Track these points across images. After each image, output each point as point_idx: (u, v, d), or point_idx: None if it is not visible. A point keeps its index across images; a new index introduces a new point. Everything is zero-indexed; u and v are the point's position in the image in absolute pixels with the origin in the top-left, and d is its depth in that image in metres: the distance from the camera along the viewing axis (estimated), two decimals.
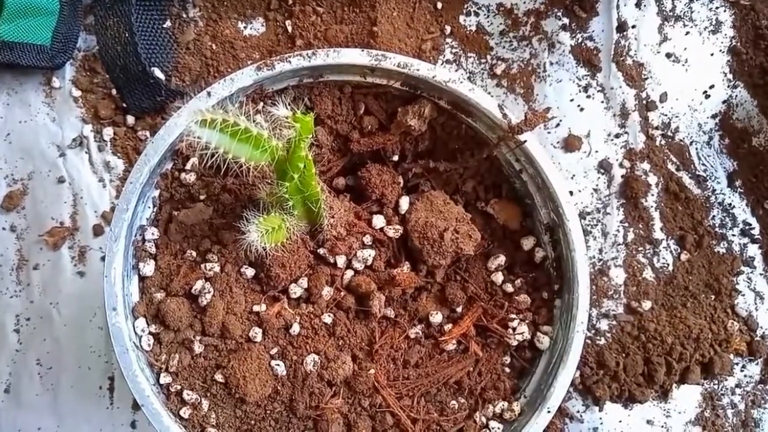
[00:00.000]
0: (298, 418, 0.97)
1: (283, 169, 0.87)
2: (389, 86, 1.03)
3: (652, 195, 1.28)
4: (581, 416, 1.21)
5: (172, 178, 1.01)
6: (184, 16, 1.28)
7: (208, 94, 0.96)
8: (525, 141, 0.99)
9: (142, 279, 0.99)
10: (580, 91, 1.31)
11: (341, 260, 1.02)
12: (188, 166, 1.01)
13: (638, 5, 1.34)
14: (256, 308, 0.98)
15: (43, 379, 1.19)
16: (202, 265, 0.98)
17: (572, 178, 1.28)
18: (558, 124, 1.29)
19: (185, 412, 0.94)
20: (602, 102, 1.31)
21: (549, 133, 1.29)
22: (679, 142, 1.31)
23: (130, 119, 1.24)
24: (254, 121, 0.83)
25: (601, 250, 1.26)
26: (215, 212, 1.01)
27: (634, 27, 1.33)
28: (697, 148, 1.31)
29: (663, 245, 1.27)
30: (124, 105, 1.24)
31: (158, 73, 1.22)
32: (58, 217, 1.22)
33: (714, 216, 1.28)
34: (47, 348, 1.20)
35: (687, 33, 1.35)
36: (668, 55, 1.34)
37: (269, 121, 0.83)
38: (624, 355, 1.22)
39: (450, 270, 1.06)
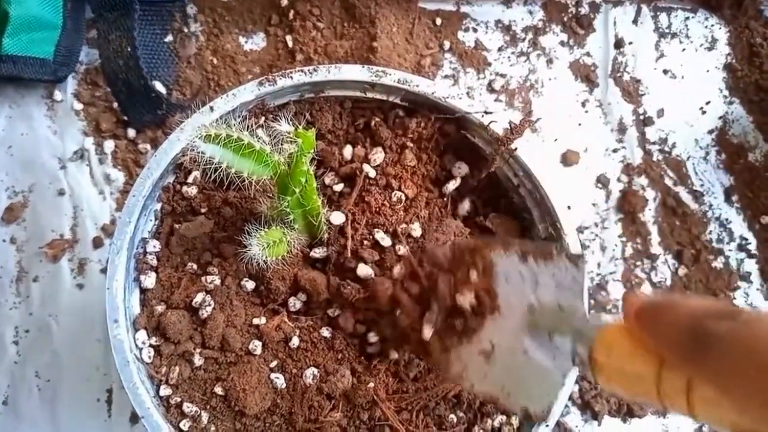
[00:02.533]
0: (297, 431, 0.97)
1: (284, 184, 0.88)
2: (389, 101, 1.04)
3: (650, 210, 1.28)
4: (580, 431, 1.22)
5: (173, 192, 1.02)
6: (186, 30, 1.29)
7: (211, 108, 0.96)
8: (516, 149, 0.99)
9: (143, 291, 0.99)
10: (578, 107, 1.32)
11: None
12: (190, 180, 1.01)
13: (635, 22, 1.35)
14: (255, 321, 0.98)
15: (41, 391, 1.19)
16: (203, 278, 0.98)
17: (570, 192, 1.28)
18: (556, 140, 1.30)
19: (185, 425, 0.94)
20: (600, 117, 1.32)
21: (547, 147, 1.29)
22: (676, 158, 1.32)
23: (131, 132, 1.25)
24: (256, 136, 0.84)
25: (599, 265, 1.26)
26: (216, 225, 1.01)
27: (631, 44, 1.34)
28: (693, 164, 1.32)
29: (661, 260, 1.27)
30: (125, 118, 1.25)
31: (159, 86, 1.23)
32: (58, 230, 1.22)
33: (711, 231, 1.29)
34: (46, 360, 1.19)
35: (683, 50, 1.36)
36: (665, 72, 1.35)
37: (271, 136, 0.84)
38: None
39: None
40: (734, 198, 1.31)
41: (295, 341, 0.98)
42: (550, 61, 1.33)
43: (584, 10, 1.35)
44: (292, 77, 0.98)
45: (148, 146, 1.24)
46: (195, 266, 0.99)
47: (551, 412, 0.85)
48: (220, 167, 0.82)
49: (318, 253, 1.00)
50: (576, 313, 0.79)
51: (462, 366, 0.87)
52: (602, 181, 1.29)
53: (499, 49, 1.33)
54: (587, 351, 0.74)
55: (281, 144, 0.84)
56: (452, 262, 0.87)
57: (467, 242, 0.91)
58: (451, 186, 1.07)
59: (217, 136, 0.81)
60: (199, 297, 0.96)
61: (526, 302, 0.83)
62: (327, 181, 1.03)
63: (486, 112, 1.00)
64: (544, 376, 0.81)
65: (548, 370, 0.81)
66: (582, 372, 0.77)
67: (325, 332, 0.99)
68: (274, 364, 0.97)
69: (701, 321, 0.55)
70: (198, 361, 0.96)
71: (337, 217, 1.00)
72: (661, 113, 1.33)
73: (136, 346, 0.96)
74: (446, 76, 1.31)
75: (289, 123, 0.82)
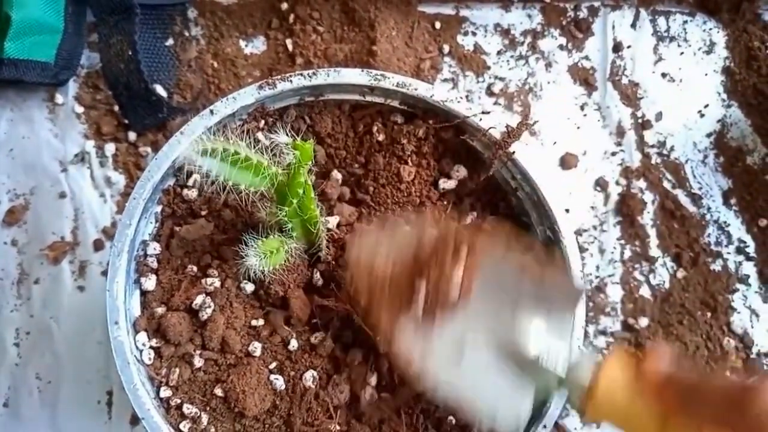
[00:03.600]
0: None
1: (282, 194, 0.88)
2: (388, 105, 1.04)
3: (648, 213, 1.29)
4: None
5: (174, 194, 1.02)
6: (186, 34, 1.29)
7: (211, 112, 0.97)
8: (514, 152, 1.00)
9: (143, 293, 0.99)
10: (576, 110, 1.32)
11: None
12: (190, 183, 1.02)
13: (633, 26, 1.36)
14: (255, 323, 0.99)
15: (42, 393, 1.19)
16: (203, 280, 0.98)
17: (569, 195, 1.28)
18: (555, 143, 1.30)
19: (185, 426, 0.95)
20: (598, 121, 1.32)
21: (546, 151, 1.30)
22: (675, 161, 1.32)
23: (132, 135, 1.25)
24: (255, 141, 0.84)
25: (597, 267, 1.27)
26: (216, 228, 1.02)
27: (629, 47, 1.35)
28: (692, 167, 1.32)
29: (659, 262, 1.27)
30: (126, 121, 1.25)
31: (160, 90, 1.23)
32: (59, 232, 1.23)
33: (709, 234, 1.29)
34: (47, 362, 1.20)
35: (681, 53, 1.36)
36: (663, 75, 1.35)
37: (271, 143, 0.84)
38: None
39: None
40: (732, 201, 1.31)
41: (293, 344, 0.98)
42: (548, 65, 1.34)
43: (583, 13, 1.35)
44: (291, 81, 0.99)
45: (149, 149, 1.24)
46: (195, 268, 1.00)
47: None
48: (217, 180, 0.83)
49: (319, 270, 1.02)
50: (566, 330, 0.86)
51: (426, 364, 0.86)
52: (601, 184, 1.29)
53: (498, 53, 1.33)
54: (581, 389, 0.77)
55: (279, 155, 0.84)
56: (442, 243, 0.87)
57: (463, 231, 0.90)
58: (448, 185, 1.07)
59: (214, 150, 0.81)
60: (199, 299, 0.97)
61: (515, 309, 0.85)
62: (328, 190, 1.04)
63: (484, 112, 1.01)
64: (516, 395, 0.84)
65: (521, 389, 0.84)
66: (567, 399, 0.84)
67: (320, 337, 1.00)
68: (273, 365, 0.98)
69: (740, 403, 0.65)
70: (198, 362, 0.97)
71: (333, 221, 1.01)
72: (659, 116, 1.33)
73: (137, 347, 0.96)
74: (445, 80, 1.31)
75: (287, 132, 0.83)
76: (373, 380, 1.00)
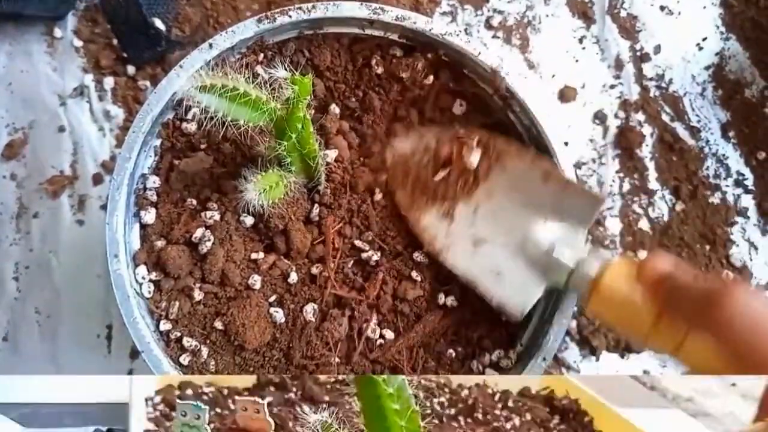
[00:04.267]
0: (295, 367, 0.98)
1: (281, 129, 0.88)
2: (387, 38, 1.04)
3: (647, 146, 1.29)
4: (578, 366, 1.22)
5: (173, 128, 1.02)
6: None
7: (210, 45, 0.96)
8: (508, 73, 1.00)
9: (143, 227, 0.99)
10: (575, 43, 1.32)
11: (339, 213, 1.03)
12: (189, 116, 1.02)
13: None
14: (254, 256, 0.99)
15: (41, 327, 1.20)
16: (203, 214, 0.98)
17: (568, 128, 1.28)
18: (553, 76, 1.30)
19: (185, 359, 0.95)
20: (597, 54, 1.32)
21: (544, 84, 1.29)
22: (673, 94, 1.32)
23: (131, 69, 1.25)
24: (254, 75, 0.84)
25: None
26: (216, 161, 1.02)
27: None
28: (690, 99, 1.32)
29: (658, 195, 1.27)
30: (125, 55, 1.25)
31: (159, 23, 1.22)
32: (58, 166, 1.23)
33: (708, 166, 1.29)
34: (46, 296, 1.21)
35: None
36: (662, 8, 1.34)
37: (269, 75, 0.84)
38: None
39: None
40: (731, 134, 1.31)
41: (293, 277, 0.98)
42: None
43: None
44: (290, 15, 0.99)
45: (148, 83, 1.24)
46: (194, 202, 1.00)
47: (523, 315, 0.96)
48: (216, 116, 0.83)
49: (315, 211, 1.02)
50: (580, 239, 0.94)
51: (448, 242, 0.99)
52: (600, 117, 1.29)
53: None
54: (587, 281, 0.87)
55: (278, 89, 0.84)
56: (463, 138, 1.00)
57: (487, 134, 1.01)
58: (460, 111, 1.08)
59: (212, 86, 0.81)
60: (198, 232, 0.97)
61: (534, 211, 0.95)
62: (327, 124, 1.04)
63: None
64: (527, 282, 0.94)
65: (533, 279, 0.94)
66: (571, 292, 0.91)
67: (320, 267, 1.00)
68: (273, 298, 0.98)
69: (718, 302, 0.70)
70: (198, 295, 0.97)
71: (332, 154, 1.01)
72: (657, 49, 1.33)
73: (136, 281, 0.96)
74: (444, 13, 1.30)
75: (286, 66, 0.83)
76: (374, 318, 1.01)
